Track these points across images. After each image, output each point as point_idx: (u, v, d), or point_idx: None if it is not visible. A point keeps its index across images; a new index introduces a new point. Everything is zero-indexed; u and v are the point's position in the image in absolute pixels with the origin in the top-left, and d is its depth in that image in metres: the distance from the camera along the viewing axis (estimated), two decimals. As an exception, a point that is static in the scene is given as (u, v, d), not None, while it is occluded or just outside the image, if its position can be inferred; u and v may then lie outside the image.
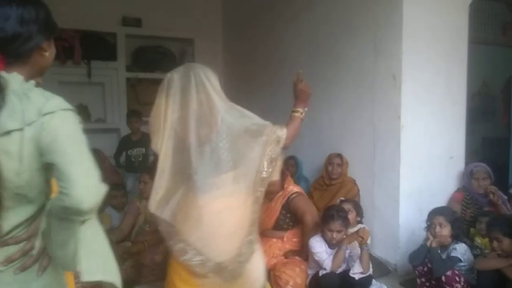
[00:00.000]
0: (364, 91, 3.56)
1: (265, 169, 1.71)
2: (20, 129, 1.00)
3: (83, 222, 1.05)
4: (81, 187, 0.99)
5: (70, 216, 1.03)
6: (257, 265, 1.81)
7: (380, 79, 3.40)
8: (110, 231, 3.50)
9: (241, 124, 1.71)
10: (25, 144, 1.01)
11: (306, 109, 2.04)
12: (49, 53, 1.21)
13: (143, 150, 4.71)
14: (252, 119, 1.76)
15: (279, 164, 1.81)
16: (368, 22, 3.48)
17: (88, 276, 1.07)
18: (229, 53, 6.03)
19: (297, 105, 2.04)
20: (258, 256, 1.80)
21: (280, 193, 3.27)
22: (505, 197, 3.50)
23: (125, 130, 5.34)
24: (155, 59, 5.63)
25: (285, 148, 1.83)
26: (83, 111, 5.33)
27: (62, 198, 1.00)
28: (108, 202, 3.75)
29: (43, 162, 1.04)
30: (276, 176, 1.81)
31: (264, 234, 3.37)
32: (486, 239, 2.99)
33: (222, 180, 1.66)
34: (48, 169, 1.07)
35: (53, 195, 1.12)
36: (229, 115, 1.71)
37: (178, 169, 1.67)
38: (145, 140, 4.76)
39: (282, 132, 1.79)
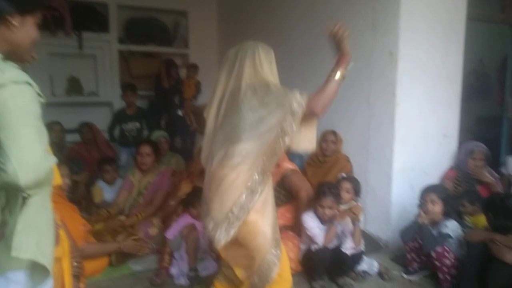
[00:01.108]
0: (360, 67, 3.51)
1: (278, 143, 1.80)
2: None
3: (25, 197, 1.03)
4: (17, 163, 0.97)
5: (12, 191, 1.02)
6: (253, 234, 1.87)
7: (377, 55, 3.36)
8: (102, 205, 3.51)
9: (262, 98, 1.80)
10: None
11: (347, 68, 1.94)
12: (22, 31, 1.13)
13: (138, 124, 4.66)
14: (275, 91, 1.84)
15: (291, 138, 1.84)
16: (367, -3, 3.41)
17: (16, 252, 1.04)
18: (223, 25, 5.90)
19: (339, 63, 1.94)
20: (255, 225, 1.87)
21: (275, 170, 3.27)
22: (497, 175, 3.55)
23: (118, 104, 5.27)
24: (148, 32, 5.51)
25: (316, 116, 1.86)
26: (75, 84, 5.24)
27: (1, 174, 0.98)
28: (100, 176, 3.74)
29: None
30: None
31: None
32: (476, 217, 3.05)
33: (232, 150, 1.78)
34: None
35: None
36: (254, 93, 1.81)
37: (212, 135, 1.91)
38: (139, 114, 4.72)
39: (298, 104, 1.78)
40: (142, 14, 5.54)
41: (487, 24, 4.54)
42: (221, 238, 1.84)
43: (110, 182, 3.69)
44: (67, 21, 4.92)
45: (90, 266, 2.74)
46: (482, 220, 2.88)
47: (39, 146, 1.02)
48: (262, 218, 1.88)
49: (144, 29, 5.49)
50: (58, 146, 4.11)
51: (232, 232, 1.82)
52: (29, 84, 1.05)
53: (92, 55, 5.26)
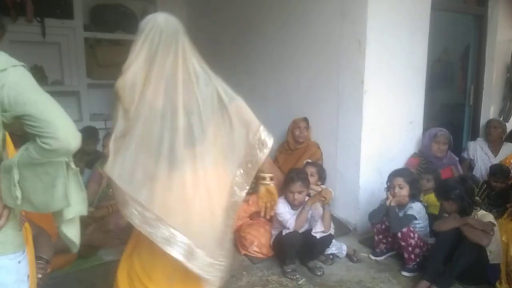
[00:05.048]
0: (330, 56, 3.57)
1: (239, 177, 1.61)
2: None
3: (68, 163, 1.12)
4: (67, 129, 1.06)
5: (57, 158, 1.08)
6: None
7: (345, 43, 3.41)
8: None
9: (226, 104, 1.56)
10: None
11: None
12: None
13: None
14: (236, 100, 1.60)
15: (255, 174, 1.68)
16: (335, -15, 3.44)
17: (75, 209, 1.18)
18: (193, 13, 5.81)
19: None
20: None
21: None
22: (457, 158, 3.72)
23: (85, 93, 5.13)
24: (115, 19, 5.34)
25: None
26: (38, 73, 5.03)
27: (49, 142, 1.04)
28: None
29: (8, 117, 1.06)
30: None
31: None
32: (429, 195, 3.21)
33: (197, 153, 1.52)
34: (7, 125, 1.10)
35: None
36: (208, 87, 1.55)
37: (150, 137, 1.48)
38: None
39: (269, 141, 1.63)
40: (109, 1, 5.37)
41: (451, 14, 4.68)
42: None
43: (77, 173, 3.62)
44: (29, 7, 4.71)
45: (59, 259, 2.69)
46: (433, 197, 3.06)
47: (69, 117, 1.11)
48: None
49: (110, 16, 5.31)
50: (22, 139, 3.96)
51: None
52: (24, 66, 1.11)
53: (56, 43, 5.07)
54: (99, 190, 3.42)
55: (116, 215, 3.19)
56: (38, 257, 2.08)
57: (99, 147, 4.10)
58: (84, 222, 3.01)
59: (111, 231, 3.14)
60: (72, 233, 1.26)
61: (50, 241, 2.45)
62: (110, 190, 3.39)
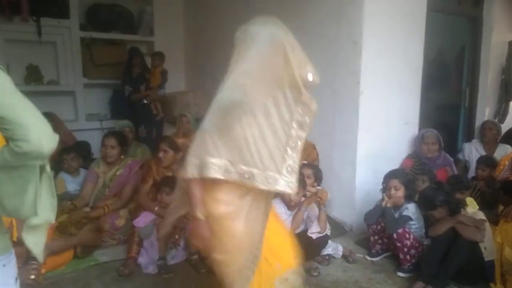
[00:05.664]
0: (326, 56, 3.57)
1: None
2: None
3: (43, 166, 1.11)
4: (39, 132, 1.05)
5: (30, 161, 1.07)
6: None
7: (341, 44, 3.42)
8: (65, 196, 3.42)
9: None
10: None
11: None
12: None
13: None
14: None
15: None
16: (332, -14, 3.45)
17: (43, 216, 1.15)
18: (190, 12, 5.81)
19: None
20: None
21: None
22: (451, 159, 3.74)
23: (80, 93, 5.11)
24: (112, 19, 5.32)
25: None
26: (34, 72, 5.01)
27: (20, 145, 1.03)
28: (61, 167, 3.63)
29: None
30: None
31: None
32: None
33: None
34: None
35: None
36: None
37: None
38: None
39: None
40: (105, 0, 5.36)
41: (447, 16, 4.70)
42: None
43: (72, 173, 3.59)
44: (24, 6, 4.69)
45: (55, 259, 2.69)
46: None
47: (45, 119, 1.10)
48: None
49: (107, 15, 5.30)
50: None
51: None
52: (2, 68, 1.09)
53: (52, 42, 5.04)
54: (95, 190, 3.41)
55: (112, 215, 3.18)
56: (31, 258, 2.07)
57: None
58: (80, 222, 3.03)
59: (106, 231, 3.13)
60: (32, 241, 1.19)
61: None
62: (107, 190, 3.39)
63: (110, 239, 3.15)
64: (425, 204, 2.77)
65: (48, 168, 1.14)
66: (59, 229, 2.86)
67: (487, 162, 3.54)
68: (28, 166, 1.08)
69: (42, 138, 1.05)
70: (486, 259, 2.58)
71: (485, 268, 2.59)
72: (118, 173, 3.41)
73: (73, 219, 3.04)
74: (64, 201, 3.29)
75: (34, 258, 2.12)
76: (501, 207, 3.02)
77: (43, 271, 2.28)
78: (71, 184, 3.54)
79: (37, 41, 4.86)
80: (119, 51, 5.33)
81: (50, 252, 2.47)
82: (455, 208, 2.65)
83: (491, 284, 2.58)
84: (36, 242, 1.20)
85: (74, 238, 2.87)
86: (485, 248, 2.57)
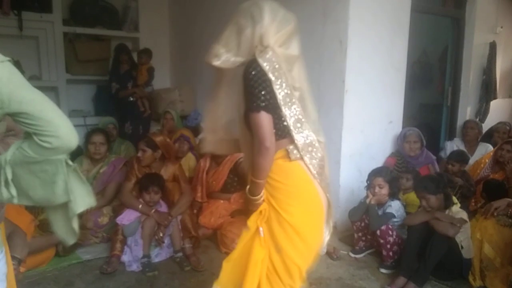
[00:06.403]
0: (311, 55, 3.58)
1: None
2: None
3: (66, 160, 1.10)
4: (66, 128, 1.05)
5: (55, 156, 1.07)
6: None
7: (327, 43, 3.44)
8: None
9: None
10: None
11: None
12: None
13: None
14: None
15: None
16: (318, -15, 3.47)
17: (84, 202, 1.19)
18: (175, 8, 5.76)
19: None
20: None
21: (228, 158, 3.31)
22: (434, 157, 3.80)
23: (63, 89, 5.03)
24: (95, 13, 5.25)
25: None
26: (15, 67, 4.91)
27: (50, 141, 1.03)
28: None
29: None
30: None
31: (211, 196, 3.41)
32: (408, 194, 3.26)
33: None
34: None
35: None
36: None
37: None
38: None
39: None
40: (89, -5, 5.27)
41: (430, 16, 4.78)
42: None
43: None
44: (5, 0, 4.59)
45: (36, 258, 2.65)
46: (412, 197, 3.10)
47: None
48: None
49: (90, 10, 5.21)
50: (-2, 135, 3.85)
51: None
52: (10, 61, 1.09)
53: (34, 37, 4.95)
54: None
55: (95, 213, 3.14)
56: (11, 257, 2.04)
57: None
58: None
59: (89, 229, 3.10)
60: (77, 224, 1.26)
61: (25, 240, 2.41)
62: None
63: (93, 236, 3.12)
64: (427, 186, 2.69)
65: (69, 161, 1.14)
66: (40, 227, 2.81)
67: (457, 157, 3.57)
68: (51, 160, 1.07)
69: (70, 133, 1.06)
70: (464, 257, 2.63)
71: (464, 265, 2.64)
72: (101, 170, 3.36)
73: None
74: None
75: (13, 257, 2.09)
76: (473, 202, 3.12)
77: (22, 270, 2.24)
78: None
79: (18, 35, 4.76)
80: (103, 47, 5.25)
81: (31, 250, 2.43)
82: (447, 201, 2.69)
83: (471, 280, 2.63)
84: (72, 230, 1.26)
85: (56, 236, 2.82)
86: (462, 247, 2.62)
